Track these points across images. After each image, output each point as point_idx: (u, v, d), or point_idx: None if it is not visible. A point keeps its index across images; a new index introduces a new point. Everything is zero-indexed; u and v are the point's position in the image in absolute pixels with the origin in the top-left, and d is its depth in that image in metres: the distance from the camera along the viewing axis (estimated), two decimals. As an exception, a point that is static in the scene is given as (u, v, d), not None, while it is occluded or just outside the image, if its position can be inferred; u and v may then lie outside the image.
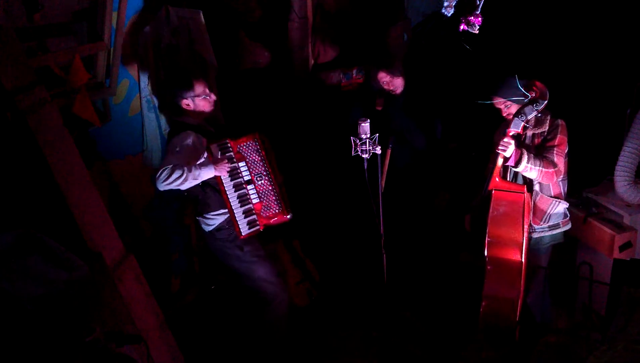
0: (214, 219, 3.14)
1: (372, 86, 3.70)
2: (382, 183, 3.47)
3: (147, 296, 2.85)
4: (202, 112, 3.11)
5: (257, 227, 3.12)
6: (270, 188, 3.16)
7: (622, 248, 3.40)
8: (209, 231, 3.18)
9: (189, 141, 2.97)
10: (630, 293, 2.86)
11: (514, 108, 3.01)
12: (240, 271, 3.21)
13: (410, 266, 3.89)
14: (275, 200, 3.16)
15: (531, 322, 3.18)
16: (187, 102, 3.07)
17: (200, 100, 3.08)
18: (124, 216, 3.51)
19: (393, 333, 3.59)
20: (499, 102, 3.05)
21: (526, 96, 2.92)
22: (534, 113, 2.89)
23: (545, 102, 2.87)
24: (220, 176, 3.03)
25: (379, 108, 3.62)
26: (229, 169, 3.03)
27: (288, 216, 3.17)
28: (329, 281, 4.19)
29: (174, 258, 3.99)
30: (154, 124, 3.63)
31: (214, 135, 3.12)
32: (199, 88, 3.08)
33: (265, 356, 3.31)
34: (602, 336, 2.95)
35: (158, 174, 2.84)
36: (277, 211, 3.15)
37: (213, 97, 3.14)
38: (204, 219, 3.17)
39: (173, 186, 2.87)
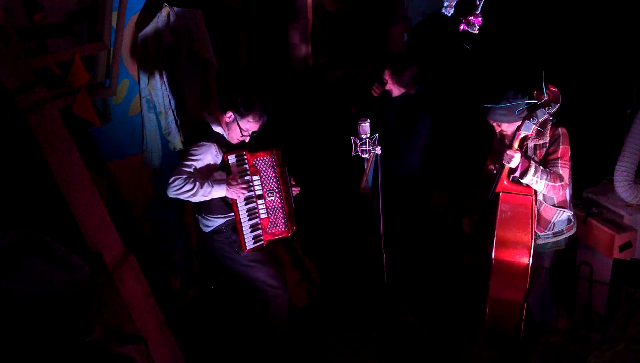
0: (213, 221, 3.13)
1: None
2: (363, 182, 3.49)
3: (147, 296, 2.86)
4: (227, 134, 3.07)
5: (261, 242, 3.12)
6: (279, 205, 3.15)
7: (622, 248, 3.40)
8: (206, 231, 3.18)
9: (207, 154, 2.95)
10: (630, 293, 2.85)
11: (505, 126, 3.02)
12: (239, 273, 3.21)
13: (410, 266, 3.89)
14: (283, 218, 3.16)
15: (531, 322, 3.18)
16: (230, 115, 3.01)
17: (236, 128, 3.02)
18: (124, 216, 3.51)
19: (393, 333, 3.59)
20: (490, 121, 3.06)
21: (519, 109, 2.93)
22: (546, 116, 2.88)
23: (558, 105, 2.85)
24: None
25: (375, 94, 3.71)
26: (243, 194, 3.01)
27: (291, 232, 3.20)
28: (329, 281, 4.19)
29: (174, 258, 3.99)
30: (154, 124, 3.62)
31: (234, 146, 3.10)
32: (249, 124, 3.02)
33: (265, 356, 3.31)
34: (602, 336, 2.95)
35: (171, 180, 2.83)
36: (283, 228, 3.17)
37: (247, 139, 3.08)
38: (203, 220, 3.17)
39: (182, 197, 2.86)
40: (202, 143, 2.97)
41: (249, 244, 3.07)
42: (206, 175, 2.97)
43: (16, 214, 2.38)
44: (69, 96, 2.89)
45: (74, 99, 2.90)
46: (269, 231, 3.14)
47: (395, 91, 3.64)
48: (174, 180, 2.83)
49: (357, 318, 3.83)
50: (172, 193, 2.85)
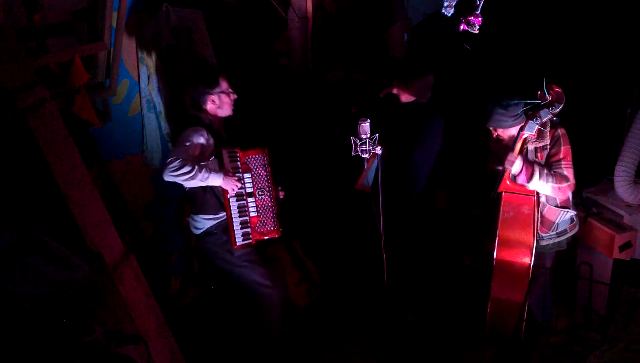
0: (203, 223, 3.12)
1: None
2: (361, 178, 3.47)
3: (147, 297, 2.85)
4: (223, 107, 3.09)
5: (250, 241, 3.12)
6: (270, 204, 3.16)
7: (622, 248, 3.40)
8: (197, 234, 3.18)
9: (201, 138, 2.95)
10: (630, 293, 2.85)
11: (500, 131, 3.03)
12: (231, 274, 3.20)
13: (411, 267, 3.88)
14: (272, 218, 3.17)
15: (531, 321, 3.18)
16: (214, 98, 3.05)
17: (225, 96, 3.07)
18: (124, 216, 3.51)
19: (394, 334, 3.59)
20: (487, 125, 3.07)
21: (517, 116, 2.92)
22: (550, 116, 2.87)
23: (562, 105, 2.85)
24: None
25: (381, 95, 3.62)
26: (236, 187, 3.02)
27: (280, 234, 3.20)
28: (329, 281, 4.19)
29: (174, 258, 3.99)
30: (154, 124, 3.63)
31: (223, 140, 3.11)
32: (224, 84, 3.07)
33: (265, 356, 3.31)
34: (602, 336, 2.95)
35: (168, 161, 2.78)
36: (272, 228, 3.17)
37: (234, 95, 3.12)
38: (193, 222, 3.16)
39: (179, 180, 2.81)
40: (193, 127, 2.97)
41: (239, 240, 3.07)
42: (200, 159, 2.96)
43: (16, 214, 2.38)
44: (69, 96, 2.89)
45: (74, 99, 2.90)
46: (258, 230, 3.14)
47: (403, 97, 3.53)
48: (172, 160, 2.78)
49: (357, 318, 3.83)
50: (169, 175, 2.78)
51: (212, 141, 3.02)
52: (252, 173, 3.14)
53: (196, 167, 2.84)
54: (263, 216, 3.15)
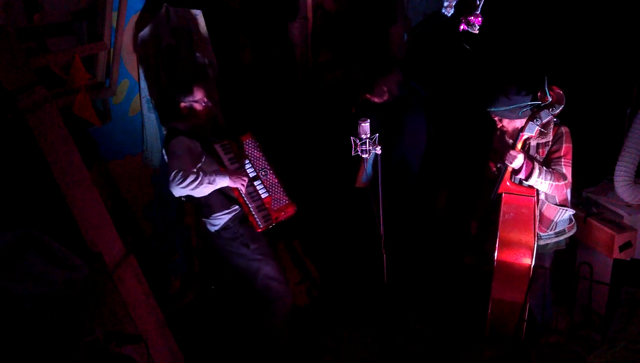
0: (219, 220, 3.15)
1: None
2: (359, 177, 3.50)
3: (147, 296, 2.85)
4: (196, 117, 3.12)
5: (271, 221, 3.15)
6: (276, 181, 3.24)
7: (622, 248, 3.40)
8: (214, 231, 3.19)
9: (184, 144, 2.98)
10: (630, 293, 2.85)
11: (505, 122, 3.02)
12: (246, 270, 3.21)
13: (411, 267, 3.88)
14: (284, 192, 3.24)
15: (531, 321, 3.18)
16: (185, 105, 3.11)
17: (197, 105, 3.12)
18: (124, 216, 3.51)
19: (393, 333, 3.59)
20: (493, 115, 3.05)
21: (523, 108, 2.92)
22: (550, 117, 2.87)
23: (562, 107, 2.85)
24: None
25: (358, 104, 3.73)
26: (244, 183, 3.05)
27: (295, 208, 3.25)
28: (329, 281, 4.19)
29: (174, 258, 3.99)
30: (154, 124, 3.62)
31: (206, 139, 3.13)
32: (198, 94, 3.11)
33: (265, 356, 3.31)
34: (602, 336, 2.95)
35: (171, 178, 2.83)
36: (287, 201, 3.23)
37: (209, 104, 3.17)
38: (209, 221, 3.18)
39: (188, 190, 2.86)
40: (173, 137, 2.99)
41: (261, 223, 3.10)
42: (195, 164, 2.98)
43: (16, 214, 2.38)
44: (69, 96, 2.89)
45: (74, 99, 2.90)
46: (275, 208, 3.18)
47: (377, 99, 3.62)
48: (174, 175, 2.82)
49: (357, 318, 3.83)
50: (177, 188, 2.83)
51: (198, 145, 3.04)
52: (250, 157, 3.22)
53: (200, 173, 2.89)
54: (274, 193, 3.20)
